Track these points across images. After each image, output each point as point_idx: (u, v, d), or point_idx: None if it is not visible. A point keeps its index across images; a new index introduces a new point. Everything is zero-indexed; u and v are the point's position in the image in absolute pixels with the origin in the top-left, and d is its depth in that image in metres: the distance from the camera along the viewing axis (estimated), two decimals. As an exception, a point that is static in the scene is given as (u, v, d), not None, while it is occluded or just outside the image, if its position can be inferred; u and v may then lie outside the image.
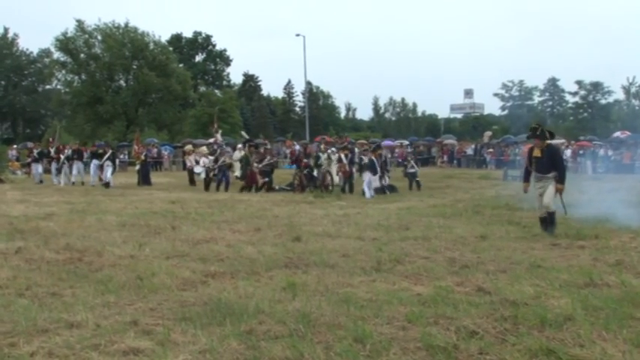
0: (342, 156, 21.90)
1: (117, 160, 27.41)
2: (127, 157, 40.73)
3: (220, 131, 29.92)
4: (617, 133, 42.97)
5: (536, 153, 10.77)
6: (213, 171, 23.10)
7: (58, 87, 62.83)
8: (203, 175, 23.79)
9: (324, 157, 22.36)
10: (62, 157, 26.15)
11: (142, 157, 26.54)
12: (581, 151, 36.00)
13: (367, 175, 19.68)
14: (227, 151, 24.96)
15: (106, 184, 23.46)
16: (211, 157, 23.88)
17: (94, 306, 5.88)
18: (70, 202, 16.51)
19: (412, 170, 22.46)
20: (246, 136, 24.94)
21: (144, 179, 25.66)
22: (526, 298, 5.94)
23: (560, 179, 10.56)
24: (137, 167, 26.60)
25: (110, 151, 25.26)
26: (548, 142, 10.84)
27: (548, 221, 10.56)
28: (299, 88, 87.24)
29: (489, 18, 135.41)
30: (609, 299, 5.83)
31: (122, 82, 58.09)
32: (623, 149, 34.20)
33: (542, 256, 8.30)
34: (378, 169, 19.88)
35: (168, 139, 57.95)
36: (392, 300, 5.99)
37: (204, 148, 26.46)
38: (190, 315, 5.52)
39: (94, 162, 25.39)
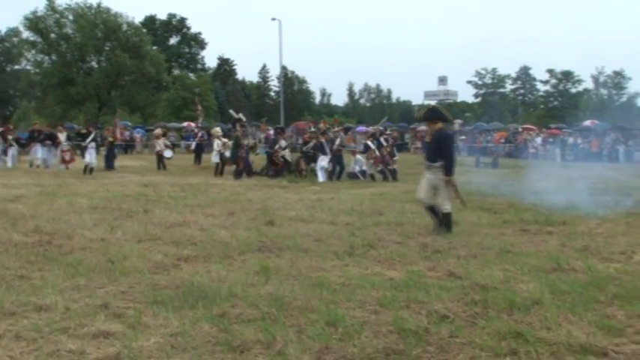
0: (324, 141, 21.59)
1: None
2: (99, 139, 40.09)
3: (204, 115, 29.60)
4: (587, 122, 43.60)
5: (427, 138, 9.89)
6: (224, 154, 21.95)
7: (28, 67, 61.58)
8: (216, 160, 22.39)
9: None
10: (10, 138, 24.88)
11: (110, 140, 25.33)
12: (550, 139, 36.47)
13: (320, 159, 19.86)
14: (249, 133, 23.24)
15: (90, 169, 21.36)
16: (225, 140, 22.79)
17: (64, 289, 5.81)
18: (39, 185, 16.27)
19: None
20: (236, 115, 23.73)
21: (108, 163, 24.08)
22: (496, 283, 6.03)
23: (447, 170, 9.23)
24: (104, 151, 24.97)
25: (95, 132, 23.14)
26: (440, 126, 9.61)
27: (443, 222, 9.28)
28: (274, 72, 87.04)
29: (465, 5, 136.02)
30: (575, 283, 5.95)
31: (94, 64, 57.11)
32: (592, 137, 34.75)
33: (512, 242, 8.42)
34: (328, 151, 19.93)
35: (141, 121, 57.32)
36: (364, 284, 6.04)
37: (218, 130, 24.84)
38: (162, 298, 5.49)
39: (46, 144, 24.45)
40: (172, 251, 7.64)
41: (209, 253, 7.57)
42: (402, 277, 6.35)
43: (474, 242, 8.41)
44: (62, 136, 25.37)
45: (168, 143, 27.58)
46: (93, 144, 22.19)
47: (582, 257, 7.29)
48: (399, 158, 22.01)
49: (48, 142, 25.09)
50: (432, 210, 9.42)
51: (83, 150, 22.31)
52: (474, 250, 7.88)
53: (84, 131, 23.59)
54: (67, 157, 24.58)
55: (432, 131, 9.59)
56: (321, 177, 19.42)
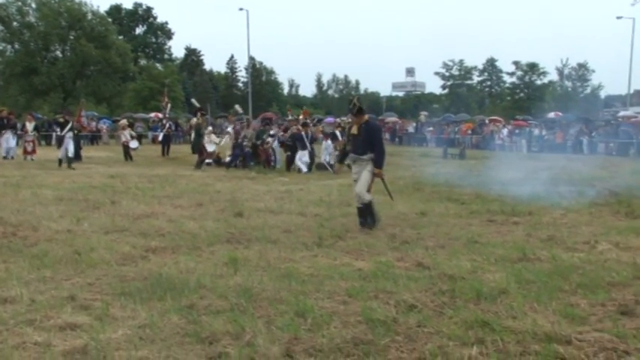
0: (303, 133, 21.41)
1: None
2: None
3: (170, 105, 29.28)
4: (551, 114, 44.28)
5: (353, 130, 9.32)
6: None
7: (-11, 56, 60.23)
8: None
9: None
10: None
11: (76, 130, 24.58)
12: (517, 131, 36.94)
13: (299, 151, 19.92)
14: (245, 124, 22.32)
15: (69, 160, 19.82)
16: (210, 129, 22.46)
17: (29, 281, 5.73)
18: (3, 176, 15.95)
19: None
20: (197, 104, 23.53)
21: (77, 153, 22.62)
22: (463, 273, 6.11)
23: (378, 162, 9.00)
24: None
25: (72, 121, 21.20)
26: (367, 117, 9.36)
27: (365, 213, 9.01)
28: (242, 63, 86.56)
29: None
30: (541, 273, 6.06)
31: (58, 53, 56.16)
32: (556, 129, 35.28)
33: (479, 232, 8.53)
34: (307, 144, 19.95)
35: (107, 112, 56.50)
36: (333, 275, 6.07)
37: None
38: (130, 290, 5.45)
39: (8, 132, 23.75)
40: (140, 243, 7.58)
41: (177, 245, 7.52)
42: (370, 268, 6.40)
43: (442, 233, 8.50)
44: (30, 126, 24.45)
45: (134, 134, 27.20)
46: (70, 134, 20.55)
47: (547, 247, 7.43)
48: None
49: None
50: (363, 211, 9.03)
51: (60, 140, 20.58)
52: (442, 240, 7.96)
53: (61, 120, 21.58)
54: (29, 147, 23.97)
55: (359, 123, 9.15)
56: (303, 168, 19.46)
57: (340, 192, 13.37)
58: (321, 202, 11.58)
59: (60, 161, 19.92)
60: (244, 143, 20.42)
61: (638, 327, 4.47)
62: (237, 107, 26.31)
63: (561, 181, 15.48)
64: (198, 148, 20.69)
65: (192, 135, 21.99)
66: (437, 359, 3.94)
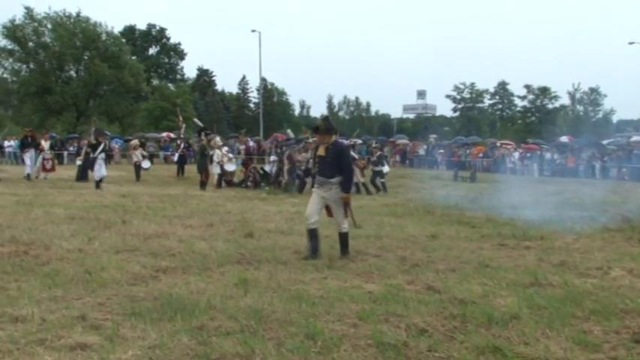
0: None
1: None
2: (76, 149, 39.69)
3: (184, 125, 29.37)
4: (564, 138, 44.18)
5: (321, 151, 8.63)
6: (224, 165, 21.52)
7: (5, 75, 60.89)
8: (217, 171, 21.54)
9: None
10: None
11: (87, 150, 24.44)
12: (528, 154, 36.86)
13: None
14: (293, 146, 21.61)
15: (97, 183, 19.37)
16: (226, 149, 22.36)
17: (40, 300, 5.74)
18: (16, 194, 16.07)
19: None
20: (200, 124, 23.49)
21: (84, 174, 22.66)
22: (474, 297, 6.06)
23: (345, 186, 8.48)
24: (78, 162, 24.09)
25: (104, 142, 21.06)
26: (336, 138, 8.75)
27: (341, 242, 8.63)
28: (254, 84, 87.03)
29: (444, 19, 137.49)
30: (553, 298, 6.00)
31: (72, 73, 56.73)
32: (568, 153, 35.19)
33: (490, 256, 8.48)
34: None
35: (119, 131, 56.92)
36: (343, 297, 6.04)
37: (218, 140, 23.57)
38: (140, 310, 5.45)
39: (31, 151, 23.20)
40: (151, 262, 7.59)
41: (188, 265, 7.53)
42: (380, 291, 6.37)
43: (453, 256, 8.46)
44: (46, 144, 24.61)
45: (146, 154, 27.31)
46: (103, 155, 20.45)
47: (559, 272, 7.36)
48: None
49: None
50: (315, 234, 8.46)
51: (92, 162, 20.01)
52: (453, 264, 7.92)
53: (94, 141, 21.06)
54: (49, 165, 24.15)
55: (326, 144, 8.52)
56: None
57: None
58: (331, 224, 11.52)
59: (97, 183, 19.34)
60: (302, 167, 20.14)
61: (653, 355, 4.43)
62: (290, 132, 25.75)
63: (573, 205, 15.42)
64: (201, 168, 20.67)
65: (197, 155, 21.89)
66: (448, 385, 3.90)
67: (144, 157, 25.34)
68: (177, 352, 4.44)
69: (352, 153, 20.15)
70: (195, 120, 25.13)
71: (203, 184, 20.26)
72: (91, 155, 20.40)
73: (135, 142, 28.31)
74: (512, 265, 7.83)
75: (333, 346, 4.59)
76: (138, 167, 24.84)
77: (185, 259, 7.86)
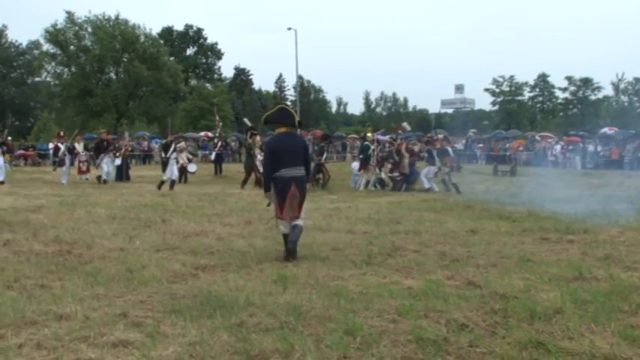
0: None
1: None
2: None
3: (222, 124, 29.64)
4: (605, 129, 43.21)
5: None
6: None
7: (48, 79, 62.47)
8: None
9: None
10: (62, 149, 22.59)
11: (123, 152, 24.56)
12: (570, 147, 36.14)
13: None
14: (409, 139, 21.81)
15: (172, 183, 19.37)
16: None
17: (83, 298, 5.84)
18: (59, 195, 16.43)
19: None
20: (249, 123, 23.65)
21: (125, 174, 23.93)
22: (516, 292, 5.95)
23: (309, 179, 8.23)
24: (118, 162, 24.23)
25: (174, 143, 20.67)
26: (284, 130, 8.17)
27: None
28: (290, 82, 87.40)
29: (480, 13, 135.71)
30: (598, 293, 5.85)
31: (112, 75, 57.85)
32: (612, 145, 34.39)
33: (532, 250, 8.33)
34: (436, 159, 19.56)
35: (159, 132, 57.77)
36: (382, 293, 6.00)
37: (258, 139, 22.34)
38: (180, 307, 5.50)
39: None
40: (190, 260, 7.67)
41: (227, 263, 7.58)
42: (420, 286, 6.30)
43: (493, 251, 8.34)
44: (79, 147, 25.01)
45: (191, 157, 27.35)
46: (175, 155, 20.11)
47: (604, 266, 7.18)
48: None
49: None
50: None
51: (165, 163, 19.76)
52: (493, 258, 7.80)
53: (164, 142, 21.31)
54: (84, 167, 24.60)
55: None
56: (430, 185, 19.40)
57: (389, 209, 13.32)
58: (370, 220, 11.52)
59: (172, 183, 19.36)
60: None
61: (703, 350, 4.28)
62: (406, 125, 25.21)
63: (618, 198, 15.05)
64: (248, 167, 20.73)
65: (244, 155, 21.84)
66: (490, 381, 3.83)
67: (189, 160, 25.34)
68: (217, 349, 4.46)
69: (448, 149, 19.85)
70: (245, 120, 25.25)
71: (244, 182, 20.35)
72: (163, 156, 20.33)
73: (182, 144, 28.04)
74: (555, 260, 7.67)
75: (372, 342, 4.56)
76: (184, 170, 24.67)
77: (224, 257, 7.92)
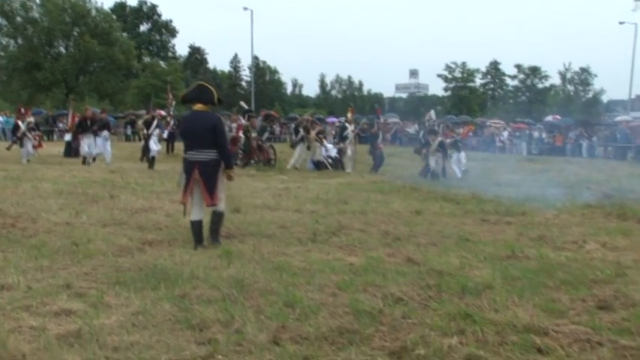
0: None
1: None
2: (66, 125, 39.55)
3: (174, 103, 29.23)
4: (549, 117, 44.48)
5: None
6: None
7: (-8, 50, 60.48)
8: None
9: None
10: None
11: (70, 126, 23.79)
12: (517, 133, 37.06)
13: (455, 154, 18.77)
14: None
15: (152, 158, 19.12)
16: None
17: (27, 270, 5.87)
18: (3, 169, 16.09)
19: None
20: (246, 107, 23.62)
21: (74, 150, 22.61)
22: (451, 269, 6.24)
23: (228, 162, 7.53)
24: (67, 138, 23.45)
25: (157, 118, 20.16)
26: (200, 108, 7.53)
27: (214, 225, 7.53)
28: (246, 62, 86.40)
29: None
30: (527, 270, 6.19)
31: (62, 49, 56.50)
32: (556, 132, 35.45)
33: (471, 231, 8.66)
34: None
35: (110, 109, 56.69)
36: (324, 269, 6.20)
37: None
38: (125, 279, 5.59)
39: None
40: (137, 235, 7.72)
41: (174, 238, 7.66)
42: (361, 263, 6.53)
43: (435, 230, 8.63)
44: (23, 125, 23.98)
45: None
46: (157, 131, 19.90)
47: (536, 246, 7.56)
48: (365, 150, 22.03)
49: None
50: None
51: (146, 139, 19.43)
52: (434, 238, 8.09)
53: (147, 117, 20.68)
54: (36, 142, 23.97)
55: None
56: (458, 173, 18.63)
57: (338, 190, 13.52)
58: (318, 200, 11.71)
59: (152, 159, 19.15)
60: None
61: (614, 321, 4.62)
62: (242, 103, 25.29)
63: (557, 183, 15.62)
64: (247, 149, 20.55)
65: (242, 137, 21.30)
66: (418, 348, 4.06)
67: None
68: (159, 318, 4.59)
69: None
70: (242, 103, 25.05)
71: (246, 164, 20.09)
72: (145, 132, 19.91)
73: (141, 123, 27.03)
74: (492, 240, 8.01)
75: (310, 314, 4.75)
76: (147, 149, 23.81)
77: (171, 233, 8.00)
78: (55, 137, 36.75)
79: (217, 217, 7.51)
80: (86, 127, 20.67)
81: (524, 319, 4.54)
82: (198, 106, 7.53)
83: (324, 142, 20.79)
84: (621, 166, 24.26)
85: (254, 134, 20.89)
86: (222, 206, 7.55)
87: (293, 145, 21.83)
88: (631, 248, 7.56)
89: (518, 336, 4.26)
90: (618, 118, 39.25)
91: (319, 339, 4.24)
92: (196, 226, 7.38)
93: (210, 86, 7.75)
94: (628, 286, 5.61)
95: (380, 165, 20.08)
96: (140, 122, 23.89)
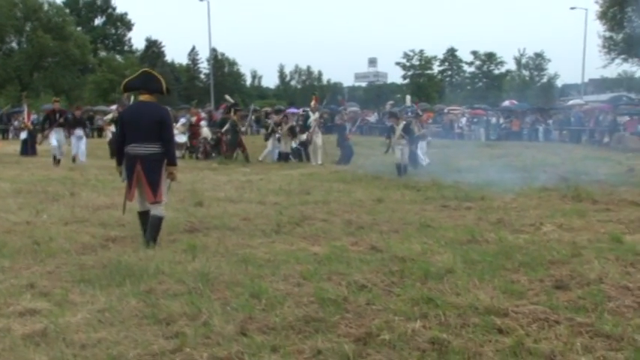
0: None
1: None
2: (21, 123, 38.67)
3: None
4: (506, 102, 45.23)
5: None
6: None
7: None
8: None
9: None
10: None
11: (30, 126, 22.98)
12: (475, 119, 37.60)
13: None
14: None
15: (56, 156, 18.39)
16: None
17: (-12, 271, 5.80)
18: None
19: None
20: (231, 100, 23.35)
21: (31, 148, 22.08)
22: (414, 255, 6.38)
23: (171, 158, 7.24)
24: (23, 136, 22.83)
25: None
26: (147, 98, 7.19)
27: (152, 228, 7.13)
28: (204, 54, 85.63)
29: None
30: (486, 253, 6.37)
31: (14, 45, 55.18)
32: (513, 117, 36.10)
33: (432, 217, 8.84)
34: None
35: (66, 105, 55.59)
36: (289, 259, 6.27)
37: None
38: (89, 277, 5.58)
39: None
40: (100, 232, 7.68)
41: (137, 234, 7.60)
42: (325, 252, 6.62)
43: (397, 218, 8.79)
44: None
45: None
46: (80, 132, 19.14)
47: (495, 229, 7.76)
48: (330, 140, 22.13)
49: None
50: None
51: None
52: (396, 225, 8.24)
53: (114, 114, 20.59)
54: None
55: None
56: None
57: (300, 181, 13.59)
58: (281, 191, 11.77)
59: (73, 158, 18.82)
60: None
61: (570, 299, 4.81)
62: (227, 97, 25.09)
63: (515, 167, 15.97)
64: (234, 143, 20.32)
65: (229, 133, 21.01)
66: (383, 333, 4.17)
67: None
68: (126, 314, 4.61)
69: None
70: (227, 97, 24.79)
71: (247, 158, 20.11)
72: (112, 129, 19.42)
73: (109, 116, 26.42)
74: (452, 225, 8.20)
75: (276, 304, 4.82)
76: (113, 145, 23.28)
77: (135, 229, 7.92)
78: (10, 135, 35.90)
79: (157, 222, 7.09)
80: (54, 120, 18.92)
81: (485, 301, 4.69)
82: (145, 97, 7.16)
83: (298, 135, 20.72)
84: (576, 149, 24.93)
85: (243, 128, 20.76)
86: (162, 209, 7.19)
87: (266, 139, 21.65)
88: (586, 229, 7.83)
89: (479, 318, 4.40)
90: (572, 102, 40.12)
91: (286, 328, 4.32)
92: (144, 217, 7.21)
93: (156, 74, 7.41)
94: (583, 265, 5.82)
95: (350, 157, 19.76)
96: (107, 118, 23.36)
